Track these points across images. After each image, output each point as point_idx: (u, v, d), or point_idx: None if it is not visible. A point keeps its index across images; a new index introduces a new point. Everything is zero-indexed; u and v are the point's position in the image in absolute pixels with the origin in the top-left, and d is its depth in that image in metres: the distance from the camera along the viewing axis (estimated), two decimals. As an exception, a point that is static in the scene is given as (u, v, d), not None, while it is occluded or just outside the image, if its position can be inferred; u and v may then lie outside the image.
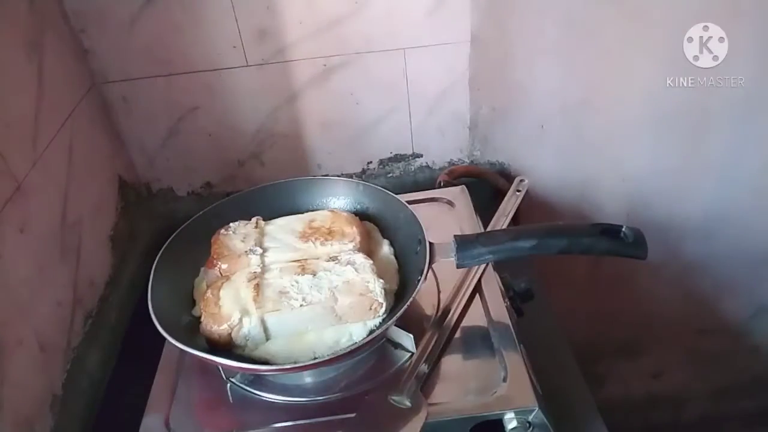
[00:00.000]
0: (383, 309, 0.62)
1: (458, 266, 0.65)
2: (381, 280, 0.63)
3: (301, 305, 0.61)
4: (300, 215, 0.75)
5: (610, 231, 0.62)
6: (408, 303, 0.61)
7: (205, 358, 0.59)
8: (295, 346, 0.61)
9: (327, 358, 0.58)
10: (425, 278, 0.63)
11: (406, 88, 0.98)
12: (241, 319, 0.60)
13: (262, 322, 0.61)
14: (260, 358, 0.61)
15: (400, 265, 0.71)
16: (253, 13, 0.88)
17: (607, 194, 1.01)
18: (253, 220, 0.74)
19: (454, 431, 0.58)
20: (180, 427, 0.62)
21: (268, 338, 0.61)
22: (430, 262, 0.65)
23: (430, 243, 0.66)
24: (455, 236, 0.66)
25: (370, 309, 0.62)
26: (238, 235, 0.71)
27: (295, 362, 0.60)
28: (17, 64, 0.72)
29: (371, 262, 0.66)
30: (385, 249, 0.73)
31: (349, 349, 0.58)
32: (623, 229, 0.61)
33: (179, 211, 1.05)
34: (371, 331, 0.61)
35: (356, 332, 0.62)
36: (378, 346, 0.66)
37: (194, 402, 0.66)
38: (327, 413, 0.60)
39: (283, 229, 0.73)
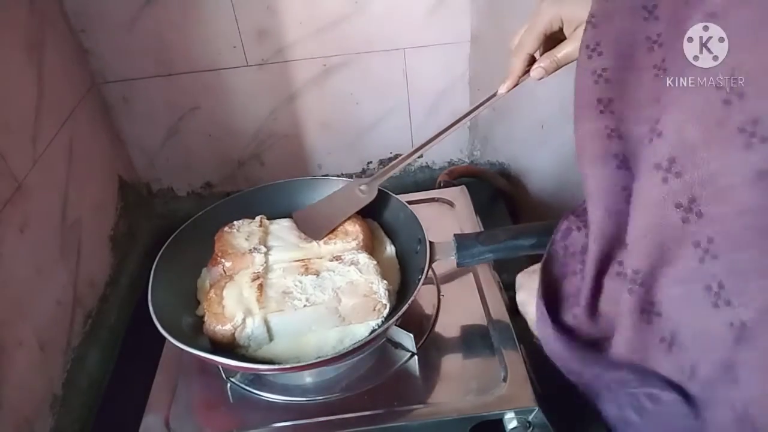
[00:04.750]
0: (387, 310, 0.62)
1: (459, 265, 0.65)
2: (385, 281, 0.63)
3: (304, 306, 0.61)
4: (303, 214, 0.75)
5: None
6: (409, 303, 0.61)
7: (206, 358, 0.59)
8: (298, 347, 0.61)
9: (326, 358, 0.58)
10: (425, 277, 0.63)
11: (406, 88, 0.98)
12: (244, 320, 0.60)
13: (266, 322, 0.61)
14: (263, 359, 0.61)
15: (401, 265, 0.71)
16: (253, 13, 0.88)
17: (607, 194, 1.01)
18: (257, 218, 0.74)
19: (454, 431, 0.58)
20: (180, 427, 0.62)
21: (271, 339, 0.61)
22: (431, 262, 0.65)
23: (430, 242, 0.66)
24: (455, 235, 0.66)
25: (374, 310, 0.62)
26: (242, 233, 0.72)
27: (296, 362, 0.60)
28: (17, 64, 0.72)
29: (375, 262, 0.66)
30: (388, 248, 0.73)
31: (349, 349, 0.58)
32: (623, 229, 0.61)
33: (179, 211, 1.05)
34: (372, 331, 0.61)
35: (360, 333, 0.62)
36: (378, 346, 0.66)
37: (194, 402, 0.66)
38: (327, 413, 0.60)
39: (286, 228, 0.73)
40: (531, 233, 0.63)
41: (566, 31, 0.58)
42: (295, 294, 0.62)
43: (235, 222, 0.73)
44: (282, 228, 0.73)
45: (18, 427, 0.62)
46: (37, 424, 0.66)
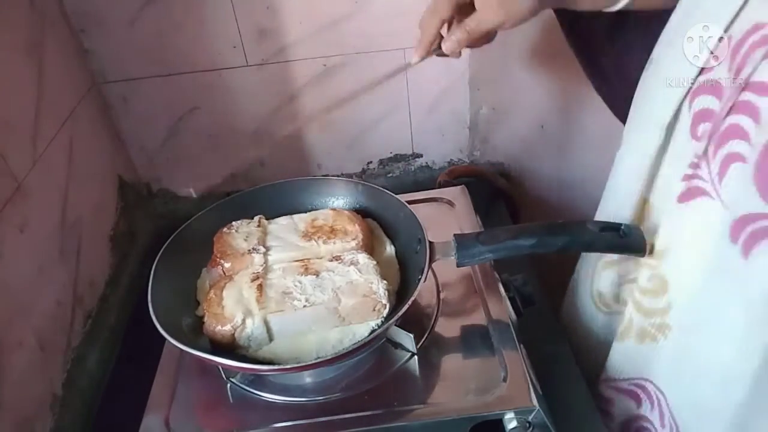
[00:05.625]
0: (387, 310, 0.62)
1: (458, 265, 0.65)
2: (384, 281, 0.63)
3: (304, 306, 0.61)
4: (302, 214, 0.75)
5: (610, 228, 0.62)
6: (409, 303, 0.61)
7: (206, 359, 0.59)
8: (298, 347, 0.61)
9: (326, 358, 0.58)
10: (425, 277, 0.63)
11: (406, 88, 0.98)
12: (244, 320, 0.60)
13: (266, 322, 0.61)
14: (263, 359, 0.61)
15: (401, 265, 0.71)
16: (253, 13, 0.88)
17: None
18: (256, 218, 0.74)
19: (454, 431, 0.58)
20: (180, 427, 0.62)
21: (271, 339, 0.61)
22: (430, 261, 0.65)
23: (430, 242, 0.66)
24: (455, 235, 0.65)
25: (374, 310, 0.61)
26: (241, 233, 0.71)
27: (296, 363, 0.60)
28: (17, 64, 0.72)
29: (375, 262, 0.66)
30: (388, 247, 0.73)
31: (349, 349, 0.58)
32: (622, 227, 0.61)
33: (179, 211, 1.05)
34: (372, 331, 0.61)
35: (359, 333, 0.62)
36: (378, 346, 0.66)
37: (194, 402, 0.66)
38: (327, 413, 0.60)
39: (285, 227, 0.73)
40: (531, 233, 0.63)
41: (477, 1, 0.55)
42: (294, 294, 0.62)
43: (233, 223, 0.73)
44: (281, 227, 0.73)
45: (18, 427, 0.62)
46: (37, 424, 0.66)
